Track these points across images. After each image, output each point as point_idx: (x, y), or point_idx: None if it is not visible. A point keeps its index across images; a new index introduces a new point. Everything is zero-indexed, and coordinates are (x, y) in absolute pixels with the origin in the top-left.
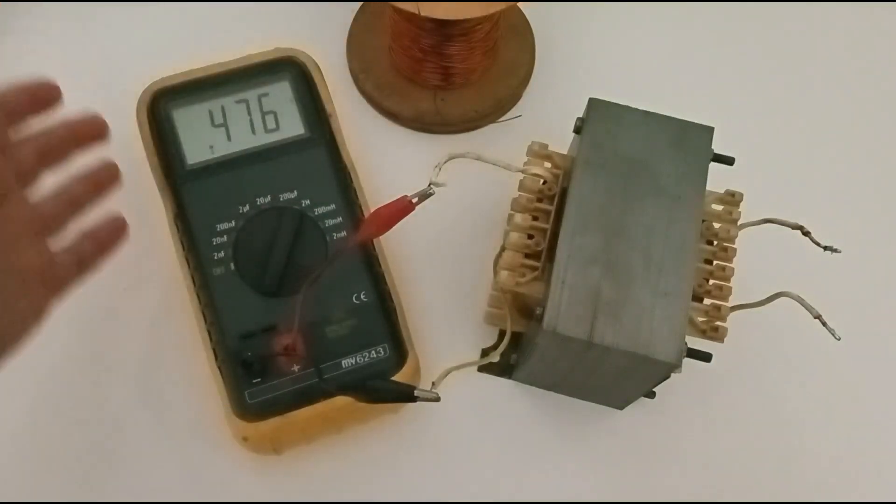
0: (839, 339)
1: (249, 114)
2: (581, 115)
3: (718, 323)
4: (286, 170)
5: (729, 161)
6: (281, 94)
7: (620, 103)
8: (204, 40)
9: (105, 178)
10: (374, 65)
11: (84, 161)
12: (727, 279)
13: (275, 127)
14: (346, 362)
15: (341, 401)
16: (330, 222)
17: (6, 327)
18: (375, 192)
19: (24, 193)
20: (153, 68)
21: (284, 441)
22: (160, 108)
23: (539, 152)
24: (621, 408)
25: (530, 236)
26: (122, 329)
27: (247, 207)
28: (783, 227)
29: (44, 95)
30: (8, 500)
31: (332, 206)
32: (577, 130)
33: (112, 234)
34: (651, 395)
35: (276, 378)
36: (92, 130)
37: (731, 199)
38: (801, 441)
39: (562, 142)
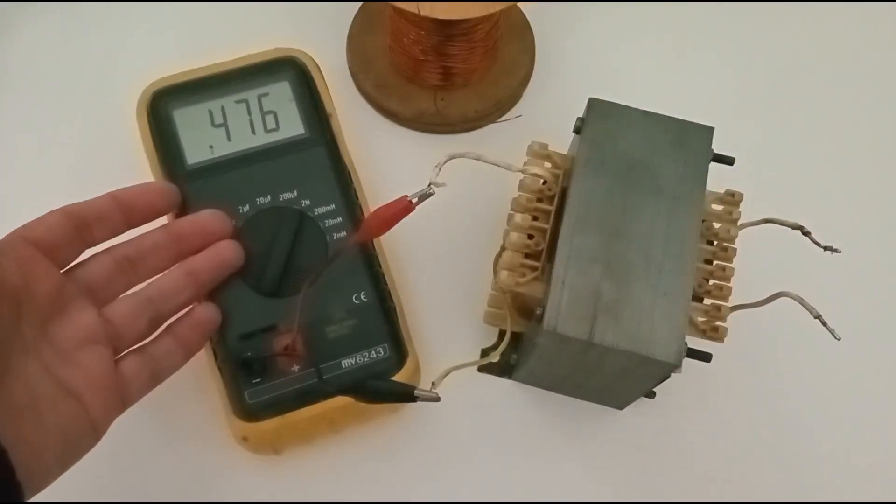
0: (839, 339)
1: (249, 114)
2: (581, 115)
3: (718, 323)
4: (286, 170)
5: (729, 161)
6: (281, 94)
7: (620, 103)
8: (204, 40)
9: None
10: (373, 65)
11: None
12: (727, 279)
13: (275, 127)
14: (346, 362)
15: (341, 401)
16: (330, 222)
17: (55, 446)
18: (375, 192)
19: (92, 307)
20: (153, 68)
21: (284, 441)
22: (160, 108)
23: (539, 152)
24: (621, 408)
25: (530, 236)
26: None
27: (247, 207)
28: (783, 227)
29: (143, 206)
30: None
31: (332, 206)
32: (577, 130)
33: (201, 332)
34: (651, 395)
35: (276, 378)
36: (192, 242)
37: (731, 199)
38: (801, 441)
39: (562, 142)
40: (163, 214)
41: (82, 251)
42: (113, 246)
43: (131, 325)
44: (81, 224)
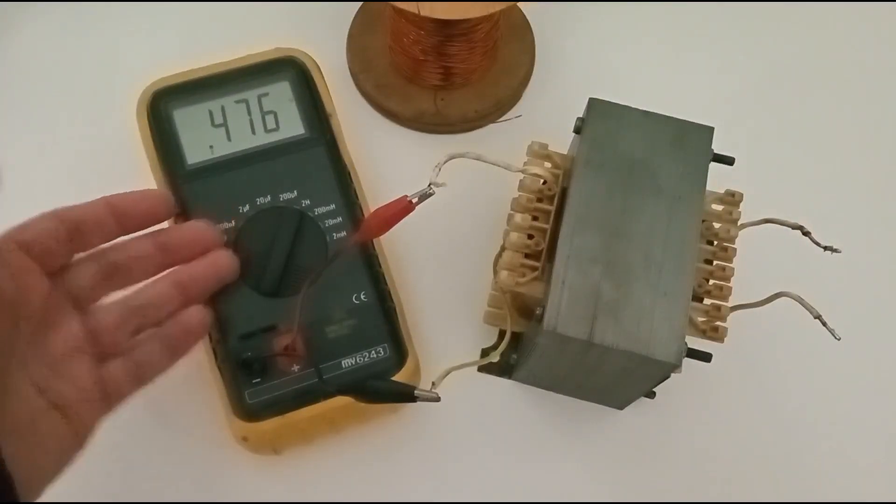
0: (839, 339)
1: (249, 114)
2: (581, 115)
3: (718, 323)
4: (286, 170)
5: (729, 161)
6: (281, 94)
7: (620, 103)
8: (204, 40)
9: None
10: (373, 65)
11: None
12: (727, 279)
13: (275, 127)
14: (346, 362)
15: (341, 401)
16: (330, 222)
17: (37, 462)
18: (375, 192)
19: (76, 314)
20: (153, 68)
21: (284, 441)
22: (160, 108)
23: (539, 152)
24: (621, 408)
25: (530, 236)
26: None
27: (247, 207)
28: (783, 227)
29: (139, 214)
30: None
31: (332, 206)
32: (577, 130)
33: (190, 336)
34: (651, 395)
35: (276, 378)
36: (178, 252)
37: (731, 199)
38: (801, 441)
39: (562, 142)
40: (159, 223)
41: (72, 256)
42: (98, 251)
43: (117, 333)
44: (74, 229)
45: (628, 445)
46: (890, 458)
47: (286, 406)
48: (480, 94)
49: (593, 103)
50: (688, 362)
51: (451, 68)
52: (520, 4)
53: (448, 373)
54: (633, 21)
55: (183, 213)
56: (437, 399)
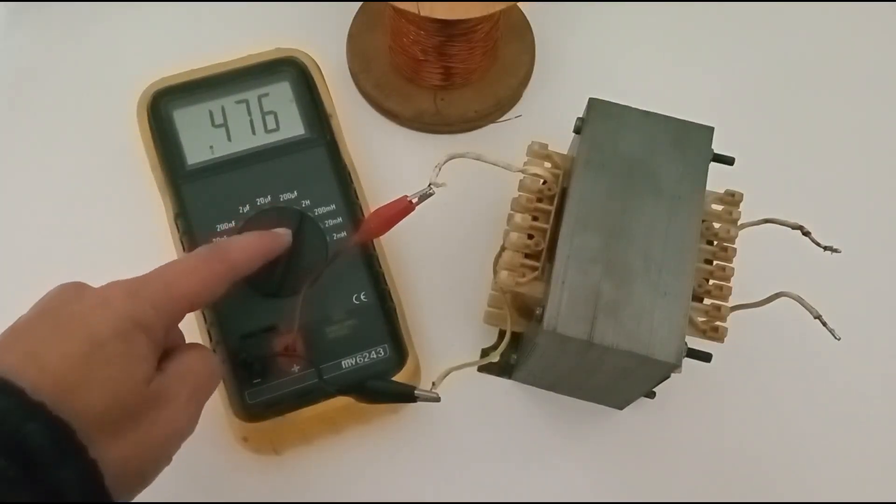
0: (839, 339)
1: (249, 114)
2: (581, 115)
3: (718, 323)
4: (286, 170)
5: (729, 161)
6: (281, 95)
7: (620, 103)
8: (204, 40)
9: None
10: (374, 65)
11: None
12: (727, 279)
13: (275, 127)
14: (346, 362)
15: (341, 401)
16: (330, 222)
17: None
18: (375, 192)
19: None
20: (153, 68)
21: (284, 441)
22: (160, 108)
23: (539, 152)
24: (621, 408)
25: (530, 236)
26: None
27: (247, 208)
28: (783, 227)
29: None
30: None
31: (332, 207)
32: (577, 130)
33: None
34: (651, 395)
35: (277, 378)
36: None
37: (731, 199)
38: (801, 441)
39: (562, 142)
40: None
41: None
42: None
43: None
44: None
45: (628, 445)
46: (890, 458)
47: (286, 406)
48: (480, 94)
49: (593, 103)
50: (688, 362)
51: (451, 68)
52: (520, 4)
53: (448, 373)
54: (633, 21)
55: (182, 213)
56: (438, 399)
